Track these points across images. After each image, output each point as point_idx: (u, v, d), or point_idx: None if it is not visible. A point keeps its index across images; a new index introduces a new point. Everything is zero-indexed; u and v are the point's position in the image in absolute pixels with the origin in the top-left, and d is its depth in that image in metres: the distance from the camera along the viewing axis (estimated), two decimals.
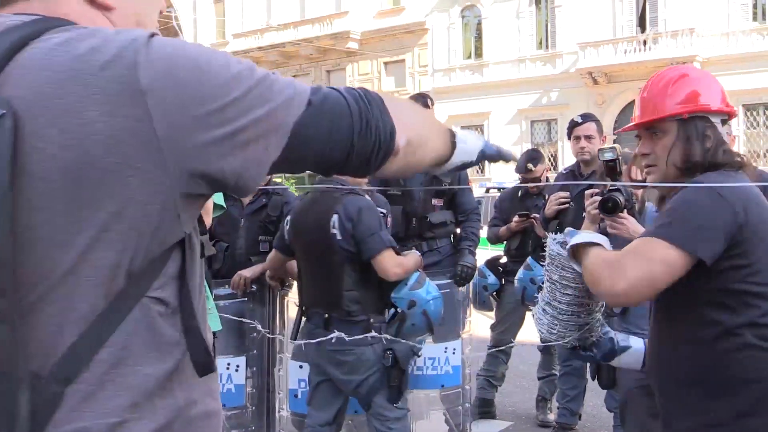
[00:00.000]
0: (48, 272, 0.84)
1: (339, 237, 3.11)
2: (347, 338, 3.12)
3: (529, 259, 4.40)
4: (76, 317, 0.85)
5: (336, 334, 3.12)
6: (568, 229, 2.13)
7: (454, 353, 4.03)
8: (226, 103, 0.88)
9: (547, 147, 25.38)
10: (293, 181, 18.42)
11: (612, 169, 2.96)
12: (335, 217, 3.12)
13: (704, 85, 1.85)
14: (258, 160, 0.92)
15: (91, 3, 0.97)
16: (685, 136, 1.79)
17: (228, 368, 3.75)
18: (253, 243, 3.93)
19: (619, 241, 3.18)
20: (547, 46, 26.47)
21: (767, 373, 1.65)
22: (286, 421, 3.93)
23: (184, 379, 0.94)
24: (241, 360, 3.79)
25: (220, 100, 0.88)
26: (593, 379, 3.14)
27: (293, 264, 3.52)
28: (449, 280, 4.13)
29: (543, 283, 2.16)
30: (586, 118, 4.40)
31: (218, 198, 3.42)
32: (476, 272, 4.37)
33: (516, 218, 4.69)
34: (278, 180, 11.48)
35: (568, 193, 4.17)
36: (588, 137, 4.28)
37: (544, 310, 2.10)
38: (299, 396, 3.64)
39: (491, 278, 4.79)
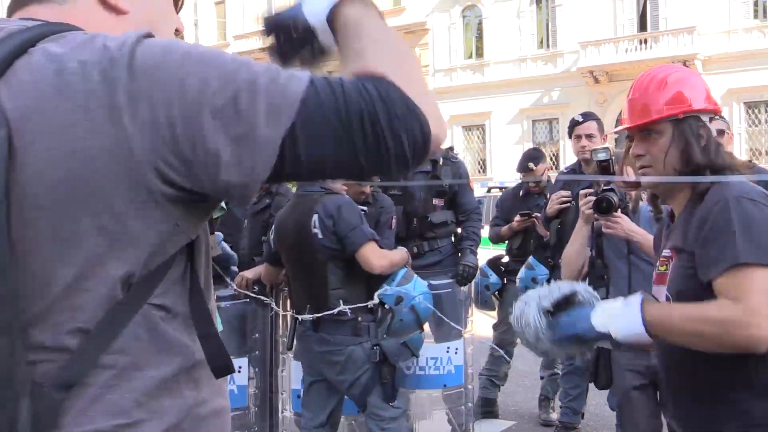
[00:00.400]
0: (47, 286, 0.84)
1: (320, 236, 3.13)
2: (328, 336, 3.15)
3: (530, 259, 4.40)
4: (77, 328, 0.86)
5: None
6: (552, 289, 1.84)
7: (456, 353, 4.03)
8: (207, 117, 0.83)
9: (548, 146, 25.36)
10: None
11: (605, 169, 2.98)
12: (315, 217, 3.15)
13: (692, 85, 1.87)
14: (244, 182, 0.87)
15: (104, 5, 0.96)
16: (681, 136, 1.80)
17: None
18: (256, 243, 3.93)
19: (614, 241, 3.20)
20: (548, 46, 26.46)
21: None
22: (289, 422, 3.94)
23: (192, 379, 0.94)
24: (244, 361, 3.79)
25: (202, 114, 0.83)
26: (590, 381, 3.15)
27: None
28: (451, 280, 4.14)
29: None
30: (587, 116, 4.40)
31: None
32: (478, 272, 4.38)
33: (517, 218, 4.69)
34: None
35: (570, 192, 4.17)
36: (589, 136, 4.27)
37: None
38: (302, 396, 3.64)
39: (493, 278, 4.79)
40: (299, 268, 3.29)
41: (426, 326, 3.84)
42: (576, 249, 3.14)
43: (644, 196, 2.92)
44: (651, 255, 2.60)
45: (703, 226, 1.67)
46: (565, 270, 3.31)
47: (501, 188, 12.06)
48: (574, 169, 4.43)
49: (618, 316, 1.65)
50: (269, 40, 1.13)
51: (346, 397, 3.39)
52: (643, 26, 24.55)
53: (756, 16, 23.23)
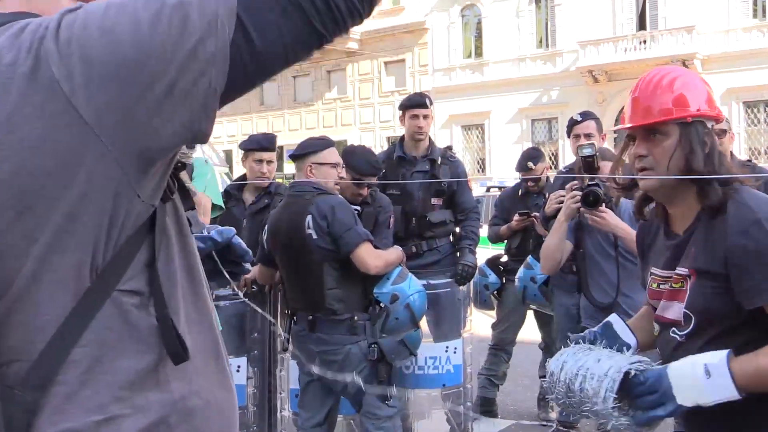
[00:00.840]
0: (8, 284, 0.82)
1: (315, 236, 3.13)
2: (325, 336, 3.15)
3: (529, 258, 4.40)
4: (44, 323, 0.83)
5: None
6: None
7: (455, 352, 4.04)
8: (146, 62, 0.80)
9: (547, 146, 25.35)
10: (294, 181, 18.37)
11: (590, 165, 3.06)
12: (309, 218, 3.14)
13: (700, 89, 1.82)
14: (205, 103, 0.85)
15: None
16: (687, 140, 1.75)
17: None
18: (255, 243, 3.92)
19: (598, 238, 3.21)
20: (547, 45, 26.46)
21: None
22: (288, 421, 3.94)
23: (180, 369, 0.90)
24: (242, 360, 3.79)
25: (139, 63, 0.80)
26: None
27: None
28: (450, 279, 4.14)
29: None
30: (586, 116, 4.40)
31: (217, 199, 3.42)
32: (477, 271, 4.38)
33: (516, 217, 4.69)
34: (279, 180, 11.47)
35: None
36: (588, 135, 4.27)
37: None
38: (299, 396, 3.64)
39: (492, 277, 4.80)
40: (294, 269, 3.29)
41: (425, 326, 3.84)
42: (555, 243, 3.20)
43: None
44: (633, 251, 2.69)
45: (736, 251, 1.62)
46: (544, 263, 3.35)
47: (500, 188, 12.06)
48: (572, 169, 4.43)
49: (706, 388, 1.58)
50: None
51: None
52: (642, 25, 24.54)
53: (755, 16, 23.23)
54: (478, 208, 4.56)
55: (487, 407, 4.85)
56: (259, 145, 4.17)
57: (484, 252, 4.96)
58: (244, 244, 3.23)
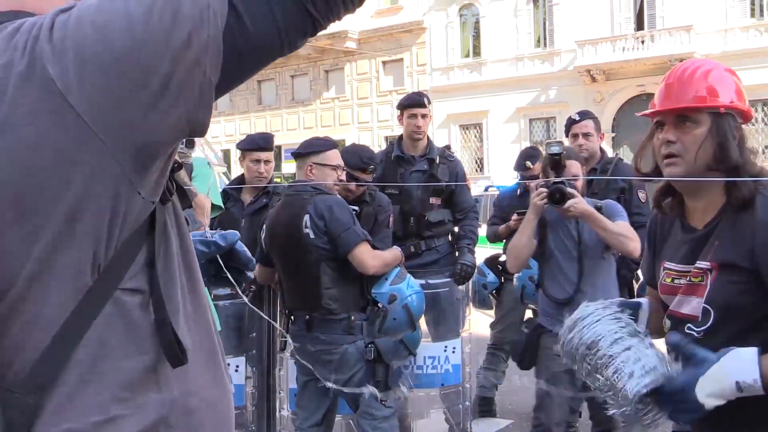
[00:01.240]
0: (9, 285, 0.82)
1: (312, 236, 3.12)
2: (322, 336, 3.16)
3: None
4: (46, 323, 0.82)
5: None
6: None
7: (454, 352, 4.03)
8: (140, 57, 0.80)
9: (546, 145, 25.36)
10: (292, 181, 18.40)
11: (557, 163, 3.14)
12: (306, 217, 3.14)
13: (734, 83, 1.81)
14: (200, 93, 0.85)
15: None
16: (720, 130, 1.74)
17: (227, 368, 3.75)
18: (253, 243, 3.92)
19: (561, 238, 3.23)
20: (545, 44, 26.46)
21: None
22: (287, 421, 3.94)
23: (179, 369, 0.90)
24: (241, 360, 3.79)
25: (133, 58, 0.80)
26: (514, 360, 3.41)
27: None
28: (449, 279, 4.14)
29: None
30: (584, 115, 4.40)
31: (216, 198, 3.42)
32: (475, 271, 4.38)
33: (515, 216, 4.67)
34: (278, 180, 11.47)
35: None
36: (586, 134, 4.27)
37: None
38: (297, 396, 3.64)
39: (490, 276, 4.79)
40: (291, 268, 3.28)
41: (423, 325, 3.84)
42: (523, 241, 3.22)
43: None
44: (599, 231, 3.01)
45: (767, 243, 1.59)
46: (511, 260, 3.38)
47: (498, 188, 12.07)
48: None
49: (736, 398, 1.55)
50: None
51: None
52: (640, 25, 24.56)
53: (753, 15, 23.26)
54: (476, 207, 4.56)
55: (486, 407, 4.85)
56: (256, 144, 4.17)
57: (483, 251, 4.95)
58: (248, 252, 3.24)
